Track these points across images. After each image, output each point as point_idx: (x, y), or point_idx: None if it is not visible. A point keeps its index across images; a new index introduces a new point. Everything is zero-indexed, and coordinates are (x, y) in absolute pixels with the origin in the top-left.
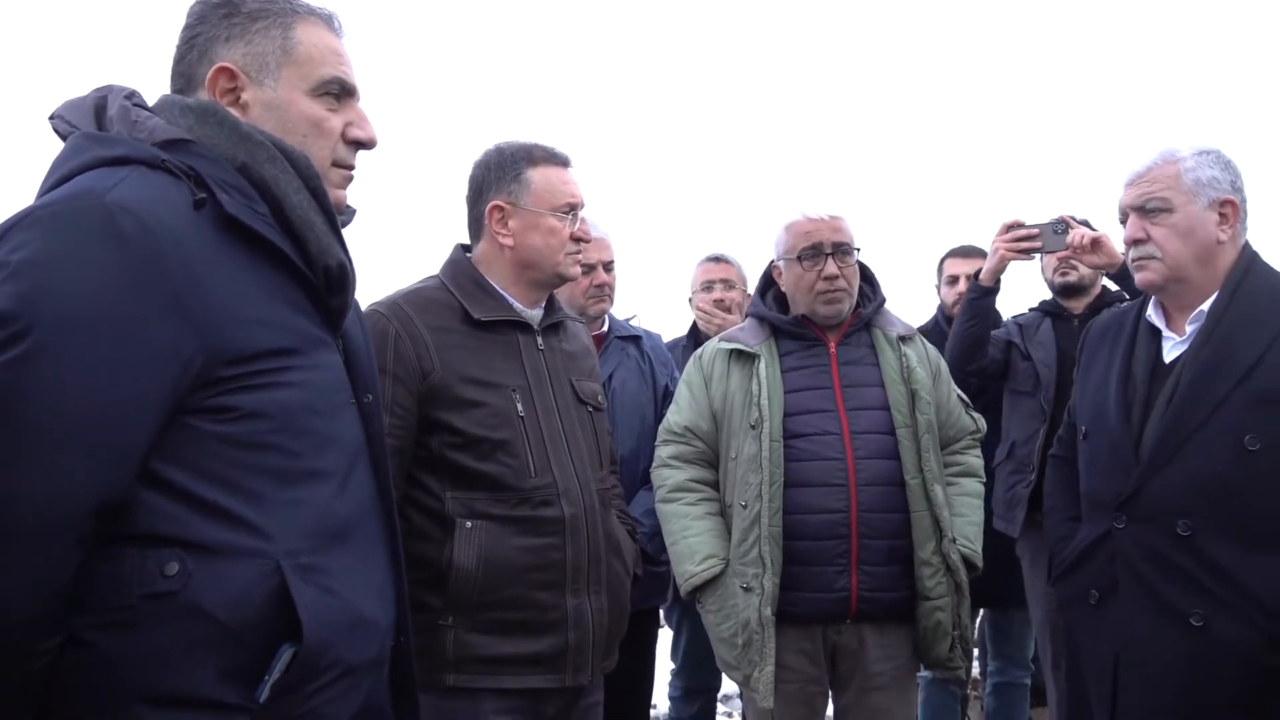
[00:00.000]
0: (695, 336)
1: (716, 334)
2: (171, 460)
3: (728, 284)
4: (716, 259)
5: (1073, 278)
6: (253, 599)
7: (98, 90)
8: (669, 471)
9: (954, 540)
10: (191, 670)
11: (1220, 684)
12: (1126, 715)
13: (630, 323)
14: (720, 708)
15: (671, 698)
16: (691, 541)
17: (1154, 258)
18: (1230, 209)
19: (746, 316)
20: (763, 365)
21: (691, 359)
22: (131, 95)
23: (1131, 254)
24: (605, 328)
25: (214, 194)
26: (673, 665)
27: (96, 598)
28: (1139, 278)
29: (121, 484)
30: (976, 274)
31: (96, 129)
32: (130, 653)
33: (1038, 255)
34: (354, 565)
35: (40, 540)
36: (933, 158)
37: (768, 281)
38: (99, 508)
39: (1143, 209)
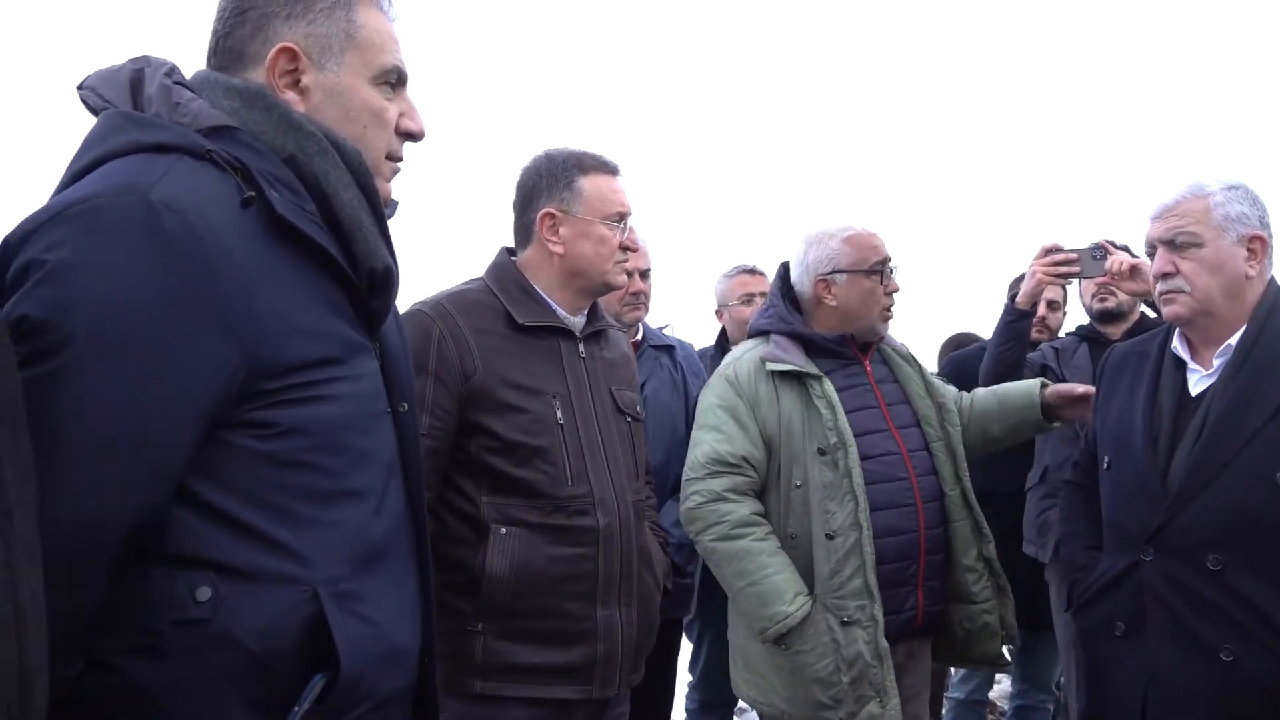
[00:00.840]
0: (723, 347)
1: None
2: (205, 477)
3: (766, 296)
4: (753, 271)
5: (1111, 304)
6: (288, 628)
7: (133, 62)
8: (729, 506)
9: (990, 542)
10: (218, 701)
11: (1249, 717)
12: None
13: (663, 332)
14: None
15: (688, 710)
16: (776, 580)
17: (1182, 291)
18: (1259, 244)
19: (762, 333)
20: (827, 386)
21: (723, 383)
22: (171, 71)
23: (1160, 287)
24: (639, 336)
25: (263, 191)
26: (690, 678)
27: (122, 620)
28: (1167, 311)
29: (159, 505)
30: (1013, 297)
31: (132, 107)
32: (156, 681)
33: (1076, 280)
34: (387, 589)
35: (72, 564)
36: (956, 175)
37: (783, 294)
38: (134, 530)
39: (1172, 243)
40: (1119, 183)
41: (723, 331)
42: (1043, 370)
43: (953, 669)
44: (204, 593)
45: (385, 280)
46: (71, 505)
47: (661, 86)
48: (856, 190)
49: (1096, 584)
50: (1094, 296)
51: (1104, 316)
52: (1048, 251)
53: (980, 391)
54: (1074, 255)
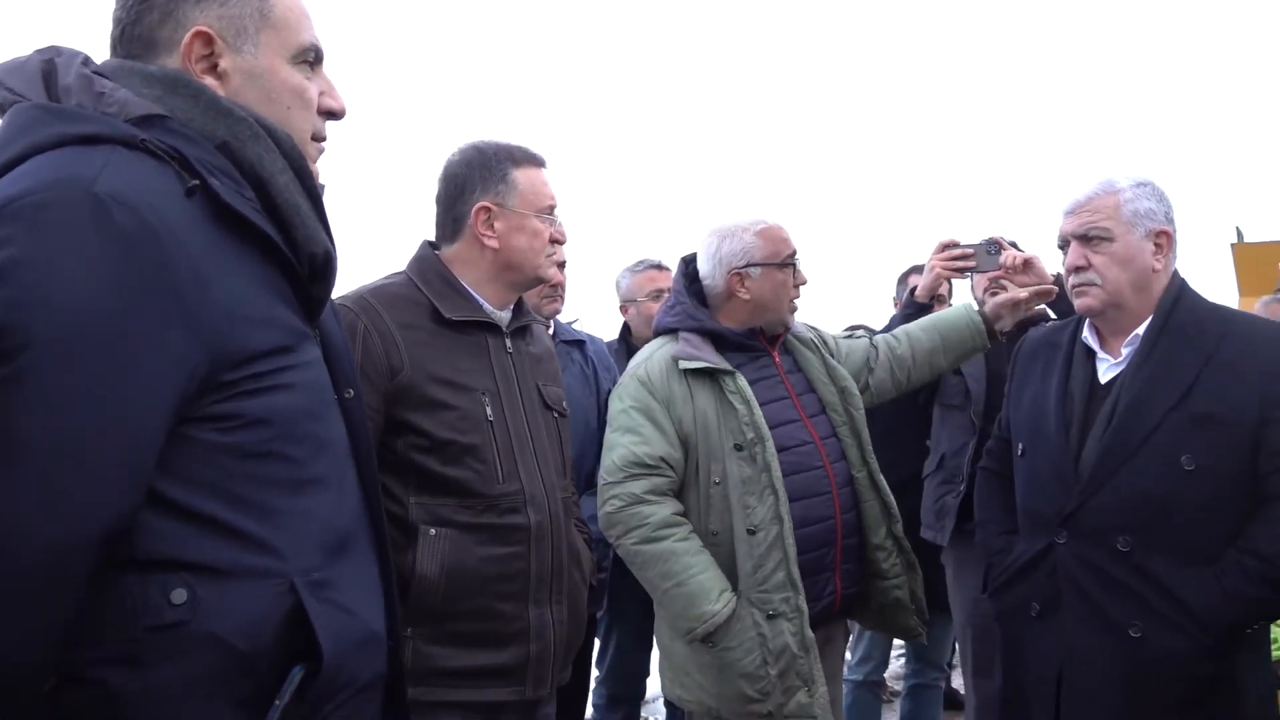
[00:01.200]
0: (627, 342)
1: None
2: (170, 475)
3: None
4: (659, 266)
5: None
6: (269, 622)
7: (41, 52)
8: (650, 508)
9: (898, 521)
10: (204, 702)
11: (1158, 692)
12: None
13: (573, 326)
14: (643, 714)
15: (595, 705)
16: (702, 579)
17: (1094, 284)
18: (1164, 239)
19: (670, 330)
20: (741, 382)
21: (635, 384)
22: (87, 61)
23: (1072, 280)
24: (551, 331)
25: (204, 180)
26: (597, 673)
27: (95, 631)
28: (1079, 303)
29: (132, 508)
30: (912, 290)
31: (47, 99)
32: (136, 689)
33: (970, 274)
34: (356, 575)
35: (48, 575)
36: (844, 173)
37: (688, 289)
38: (108, 536)
39: (1084, 237)
40: (1006, 181)
41: (625, 326)
42: None
43: (849, 653)
44: (179, 595)
45: (325, 265)
46: (44, 515)
47: (559, 77)
48: (745, 186)
49: (1012, 567)
50: (985, 290)
51: None
52: (945, 247)
53: (911, 331)
54: (970, 250)
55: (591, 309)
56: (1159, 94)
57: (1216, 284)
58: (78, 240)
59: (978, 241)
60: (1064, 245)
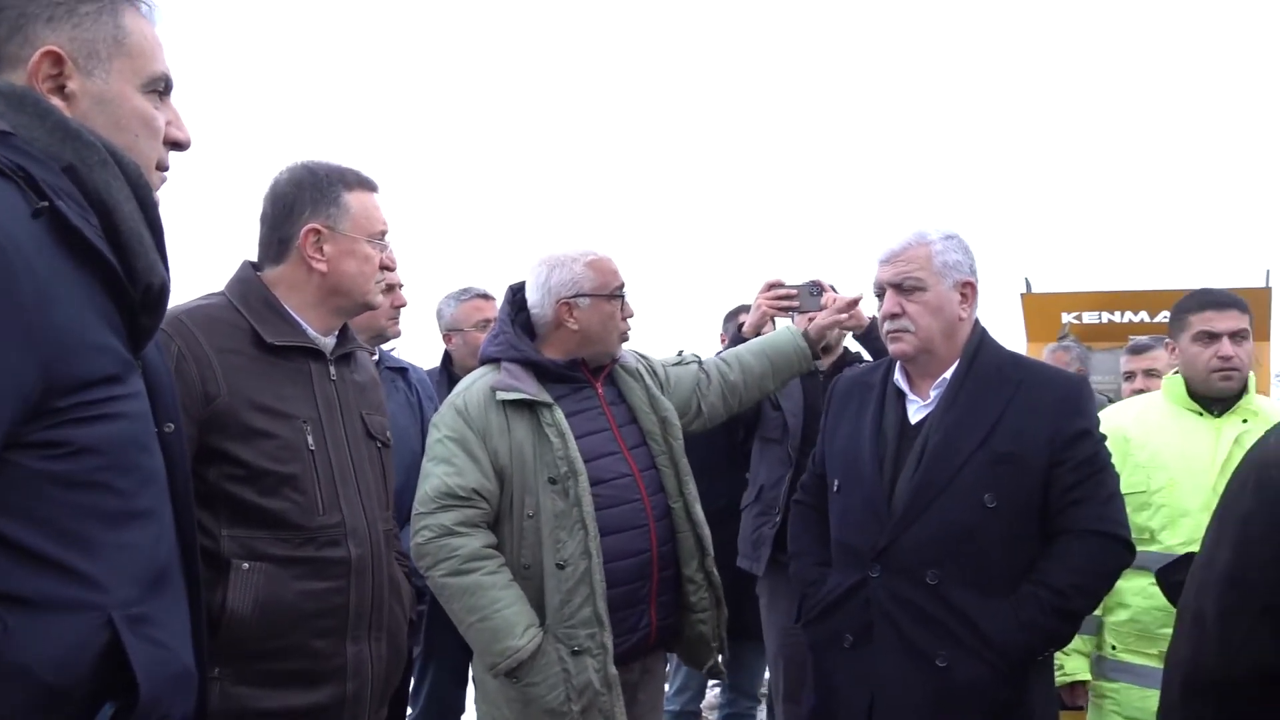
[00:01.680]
0: (448, 371)
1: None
2: None
3: None
4: (485, 295)
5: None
6: (84, 656)
7: None
8: (459, 540)
9: (710, 555)
10: None
11: (962, 717)
12: None
13: (391, 354)
14: None
15: None
16: (507, 614)
17: (908, 330)
18: (969, 290)
19: (494, 360)
20: (558, 415)
21: (452, 413)
22: None
23: (887, 326)
24: (376, 358)
25: (52, 202)
26: (411, 710)
27: None
28: (894, 348)
29: None
30: (740, 325)
31: None
32: None
33: (793, 314)
34: (171, 612)
35: None
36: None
37: (513, 319)
38: None
39: (899, 286)
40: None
41: (447, 355)
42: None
43: (666, 685)
44: None
45: (160, 296)
46: None
47: (386, 96)
48: (571, 216)
49: (826, 599)
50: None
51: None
52: (771, 286)
53: (742, 355)
54: (794, 291)
55: (408, 335)
56: (952, 148)
57: (1007, 331)
58: None
59: (801, 283)
60: (880, 293)
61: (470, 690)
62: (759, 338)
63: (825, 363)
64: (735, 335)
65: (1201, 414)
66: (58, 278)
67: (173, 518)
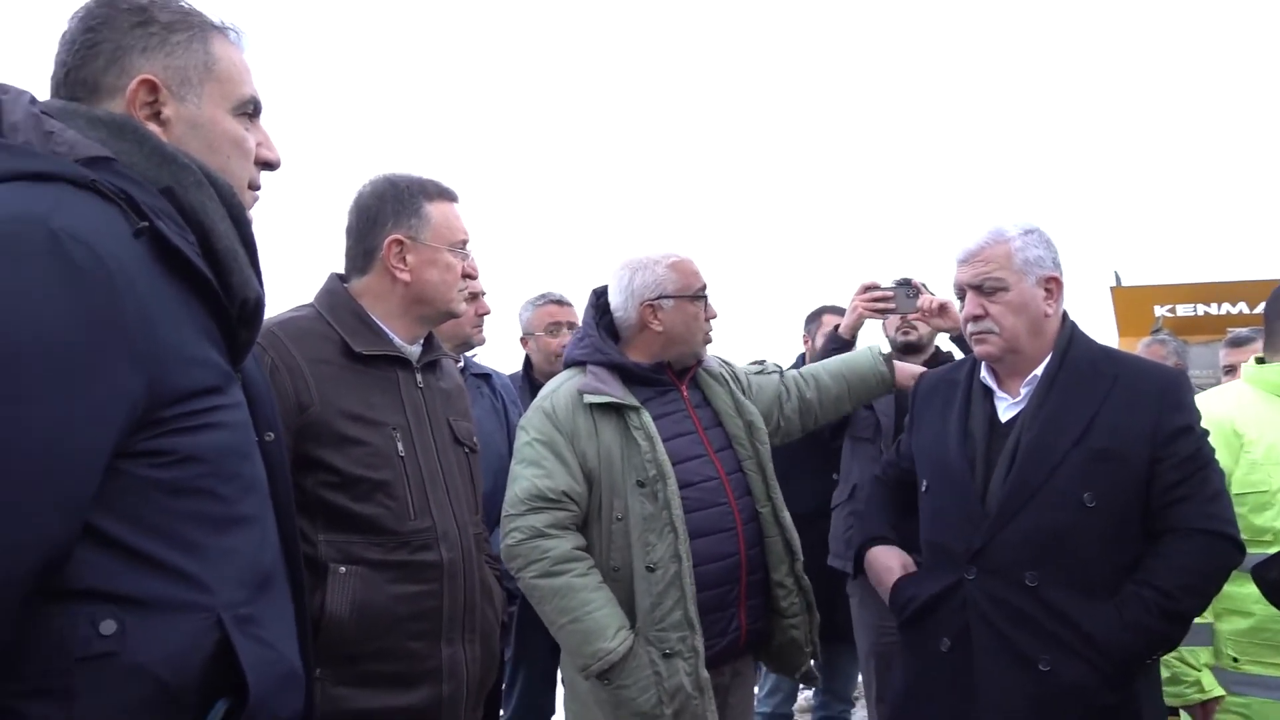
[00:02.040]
0: (529, 375)
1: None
2: (103, 508)
3: (574, 326)
4: (560, 301)
5: (913, 337)
6: (196, 655)
7: None
8: (550, 542)
9: (800, 560)
10: None
11: None
12: None
13: (474, 360)
14: None
15: None
16: (598, 616)
17: (992, 332)
18: (1054, 285)
19: (579, 363)
20: (645, 418)
21: (540, 416)
22: (34, 101)
23: (970, 328)
24: (461, 365)
25: (152, 222)
26: (504, 712)
27: (21, 662)
28: (979, 350)
29: (70, 539)
30: (836, 327)
31: None
32: None
33: (886, 315)
34: (277, 614)
35: None
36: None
37: (598, 322)
38: (45, 565)
39: (980, 288)
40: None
41: (527, 359)
42: None
43: (756, 687)
44: (108, 626)
45: (256, 311)
46: None
47: (473, 110)
48: (653, 224)
49: (921, 602)
50: (897, 330)
51: (906, 348)
52: (866, 289)
53: (820, 375)
54: (890, 293)
55: (495, 343)
56: (1043, 141)
57: (1097, 325)
58: (32, 271)
59: (895, 284)
60: (961, 294)
61: (560, 692)
62: (838, 357)
63: (918, 361)
64: (832, 335)
65: None
66: (159, 295)
67: (275, 524)
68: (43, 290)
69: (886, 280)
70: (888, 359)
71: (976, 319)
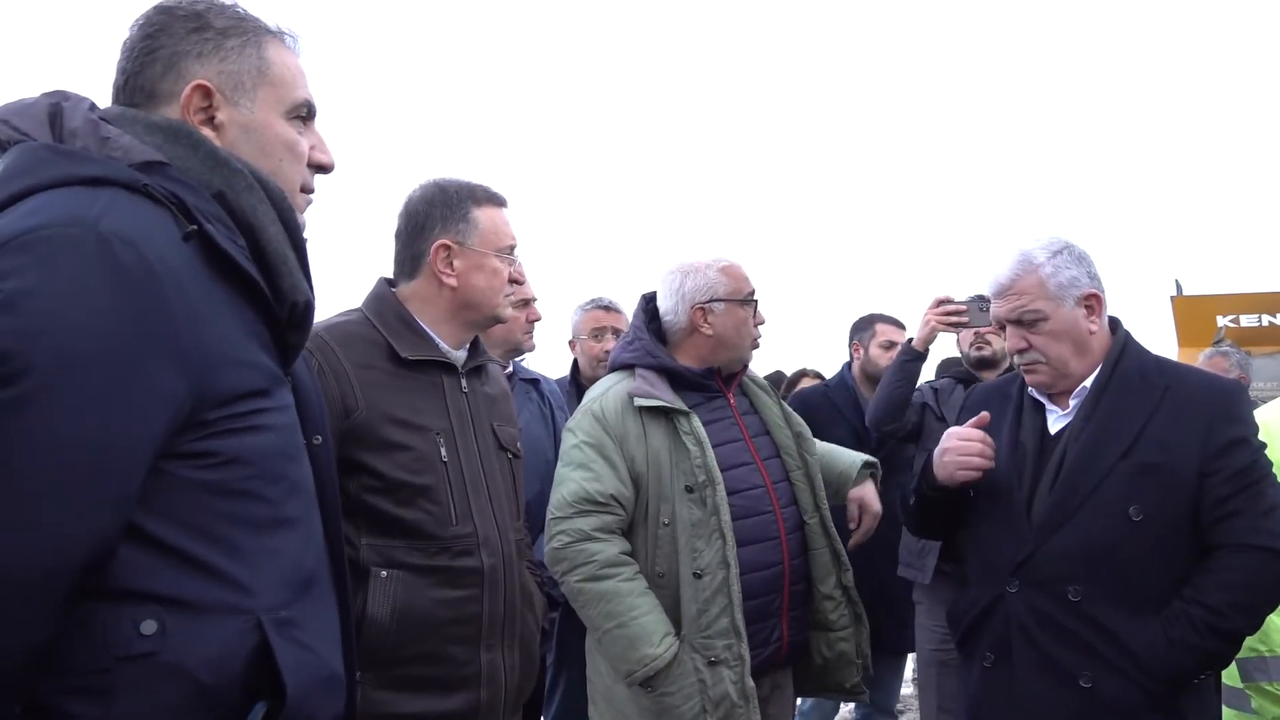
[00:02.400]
0: (576, 380)
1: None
2: (146, 508)
3: (619, 332)
4: (608, 307)
5: (987, 352)
6: (235, 657)
7: (49, 95)
8: (596, 545)
9: (849, 571)
10: None
11: None
12: None
13: (521, 364)
14: None
15: None
16: (644, 622)
17: (1039, 362)
18: (1094, 301)
19: (627, 366)
20: (696, 423)
21: (589, 419)
22: (93, 107)
23: (1018, 360)
24: (509, 370)
25: (201, 225)
26: (544, 718)
27: (62, 659)
28: (1030, 379)
29: (114, 536)
30: (910, 340)
31: (52, 139)
32: (104, 719)
33: (960, 329)
34: (319, 616)
35: (30, 596)
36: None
37: (647, 326)
38: (89, 561)
39: (1019, 322)
40: (947, 232)
41: (575, 364)
42: (922, 409)
43: (799, 698)
44: (149, 626)
45: (305, 314)
46: (31, 537)
47: (521, 118)
48: (699, 233)
49: (970, 618)
50: (971, 345)
51: (980, 363)
52: (940, 303)
53: (824, 456)
54: (963, 307)
55: (545, 348)
56: (1100, 147)
57: (1156, 335)
58: (83, 275)
59: (968, 298)
60: (1001, 326)
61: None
62: (830, 446)
63: (992, 375)
64: (906, 347)
65: None
66: (207, 297)
67: (321, 527)
68: (90, 292)
69: (961, 294)
70: (872, 471)
71: (1021, 351)
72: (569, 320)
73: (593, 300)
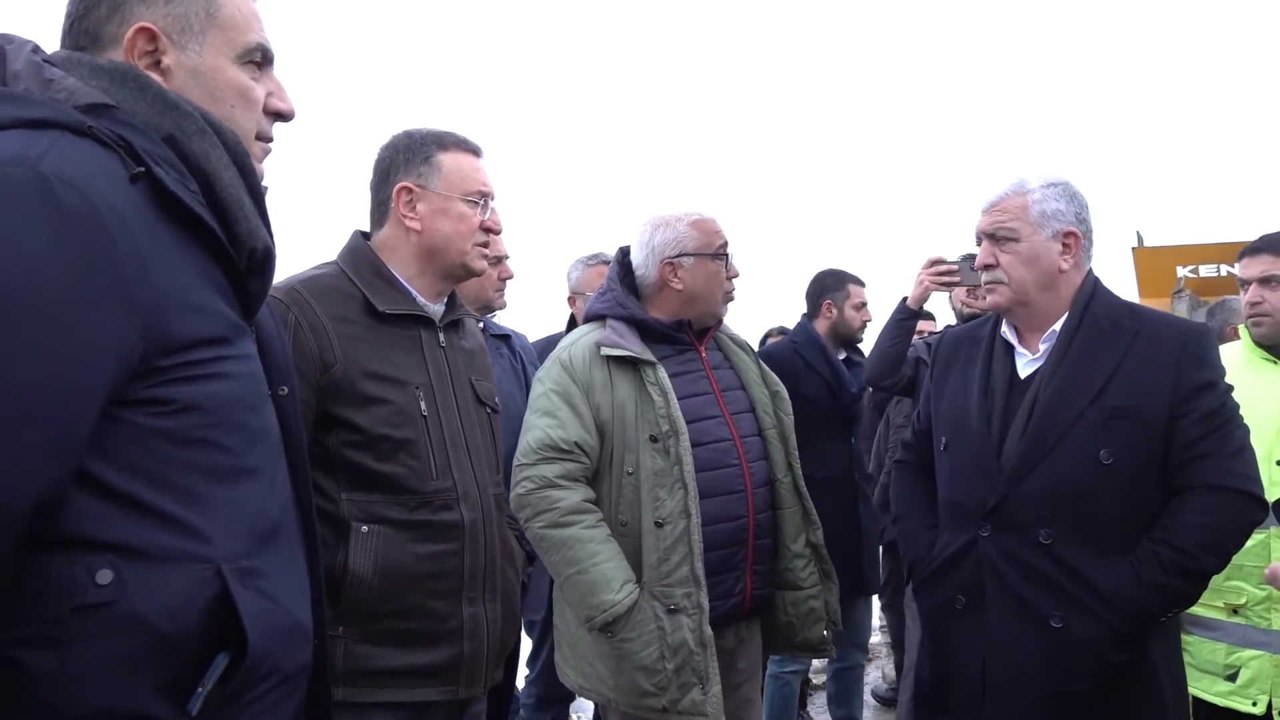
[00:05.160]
0: None
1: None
2: (101, 456)
3: None
4: (608, 261)
5: (978, 307)
6: (194, 606)
7: None
8: (560, 493)
9: (818, 528)
10: (127, 685)
11: (1078, 679)
12: (994, 712)
13: (493, 320)
14: (572, 716)
15: (524, 704)
16: (605, 568)
17: (1001, 282)
18: (1073, 240)
19: (599, 317)
20: (661, 374)
21: (557, 367)
22: (37, 50)
23: (983, 277)
24: (480, 326)
25: (149, 168)
26: (527, 672)
27: (14, 610)
28: (988, 300)
29: (63, 480)
30: (904, 299)
31: None
32: (60, 670)
33: (952, 288)
34: (284, 567)
35: None
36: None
37: (621, 278)
38: (35, 509)
39: (993, 236)
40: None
41: (572, 318)
42: (917, 363)
43: None
44: (105, 575)
45: (265, 262)
46: None
47: (518, 73)
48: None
49: (936, 562)
50: (963, 302)
51: (971, 319)
52: (933, 263)
53: None
54: (955, 266)
55: (524, 304)
56: (1062, 101)
57: (1118, 285)
58: (21, 214)
59: (960, 258)
60: (979, 242)
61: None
62: None
63: None
64: (901, 306)
65: (1275, 362)
66: (157, 241)
67: (288, 478)
68: (31, 233)
69: (952, 254)
70: None
71: (988, 268)
72: (566, 275)
73: (595, 255)
